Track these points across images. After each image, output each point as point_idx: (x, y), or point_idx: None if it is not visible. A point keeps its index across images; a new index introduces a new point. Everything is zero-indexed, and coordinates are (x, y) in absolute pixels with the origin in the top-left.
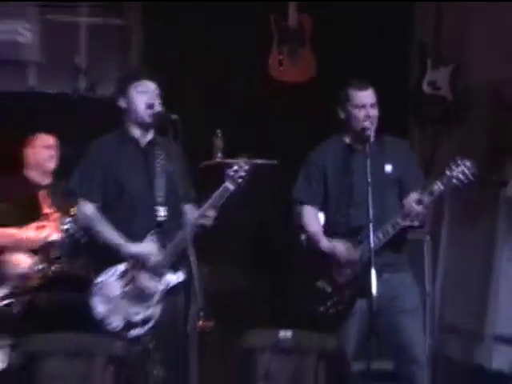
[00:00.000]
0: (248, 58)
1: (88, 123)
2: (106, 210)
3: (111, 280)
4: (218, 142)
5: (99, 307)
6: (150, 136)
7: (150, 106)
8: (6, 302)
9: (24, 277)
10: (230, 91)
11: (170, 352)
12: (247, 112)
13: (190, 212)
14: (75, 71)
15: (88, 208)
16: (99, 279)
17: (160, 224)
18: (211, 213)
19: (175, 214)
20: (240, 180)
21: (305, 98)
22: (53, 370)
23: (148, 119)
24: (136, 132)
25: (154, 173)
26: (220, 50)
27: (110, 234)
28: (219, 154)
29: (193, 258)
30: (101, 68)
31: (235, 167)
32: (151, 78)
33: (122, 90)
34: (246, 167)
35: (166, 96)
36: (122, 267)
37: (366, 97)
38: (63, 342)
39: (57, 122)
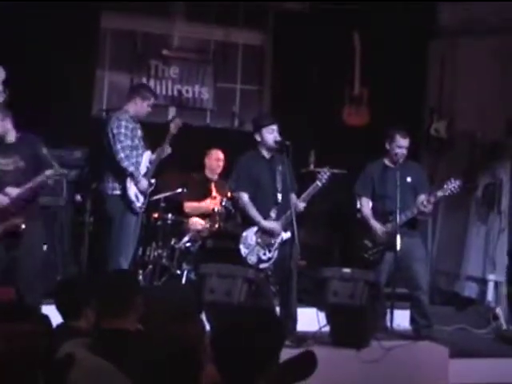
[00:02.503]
0: (333, 110)
1: (238, 145)
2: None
3: (250, 234)
4: (311, 158)
5: (243, 249)
6: (271, 153)
7: (275, 141)
8: (188, 244)
9: (199, 231)
10: (319, 129)
11: (282, 277)
12: (330, 141)
13: (293, 198)
14: (233, 115)
15: (244, 196)
16: (244, 233)
17: (278, 203)
18: (301, 206)
19: (287, 198)
20: (324, 181)
21: (363, 134)
22: (213, 284)
23: (272, 148)
24: (264, 152)
25: (275, 174)
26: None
27: (254, 213)
28: (312, 166)
29: (295, 225)
30: (247, 113)
31: (322, 173)
32: (276, 122)
33: (257, 130)
34: (328, 173)
35: (282, 130)
36: (255, 228)
37: (404, 141)
38: (219, 269)
39: (223, 143)
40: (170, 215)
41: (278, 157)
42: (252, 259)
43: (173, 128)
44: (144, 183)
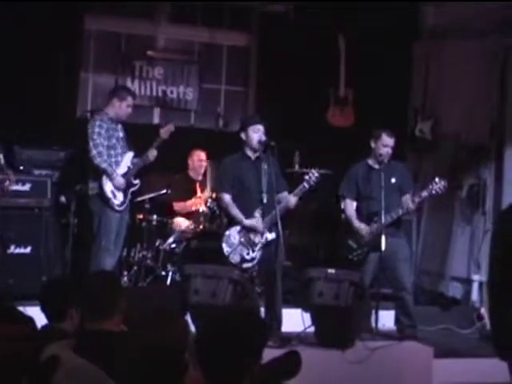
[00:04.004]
0: (318, 111)
1: (224, 146)
2: (233, 197)
3: (233, 233)
4: (296, 159)
5: (226, 248)
6: (257, 154)
7: (260, 141)
8: (173, 245)
9: (184, 231)
10: (304, 129)
11: (267, 278)
12: (315, 141)
13: (286, 197)
14: (217, 116)
15: (225, 197)
16: (227, 232)
17: (263, 204)
18: (294, 200)
19: (272, 199)
20: (312, 183)
21: (348, 135)
22: (198, 285)
23: (257, 147)
24: (249, 153)
25: (260, 175)
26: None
27: (236, 212)
28: (297, 166)
29: (280, 225)
30: (232, 114)
31: (310, 175)
32: (261, 122)
33: (243, 128)
34: (317, 175)
35: (267, 131)
36: (239, 227)
37: (390, 141)
38: (204, 270)
39: (207, 144)
40: (154, 216)
41: (263, 157)
42: (235, 258)
43: (163, 133)
44: (119, 180)
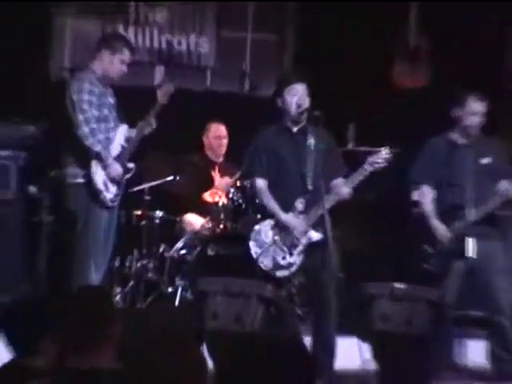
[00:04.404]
0: (379, 69)
1: (249, 116)
2: (268, 183)
3: (265, 229)
4: (351, 134)
5: (254, 248)
6: (300, 125)
7: (299, 106)
8: (182, 252)
9: (197, 233)
10: (360, 94)
11: (312, 295)
12: (375, 109)
13: (339, 182)
14: (242, 76)
15: (260, 182)
16: (257, 227)
17: (307, 192)
18: (347, 189)
19: (320, 186)
20: (377, 165)
21: (419, 99)
22: (217, 306)
23: (296, 116)
24: (289, 124)
25: (305, 153)
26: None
27: (271, 203)
28: (351, 143)
29: (328, 222)
30: (261, 73)
31: (378, 155)
32: (301, 81)
33: (278, 92)
34: (386, 156)
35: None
36: (273, 221)
37: (480, 106)
38: (226, 285)
39: (228, 114)
40: (157, 212)
41: (310, 129)
42: (265, 263)
43: (161, 96)
44: (116, 168)
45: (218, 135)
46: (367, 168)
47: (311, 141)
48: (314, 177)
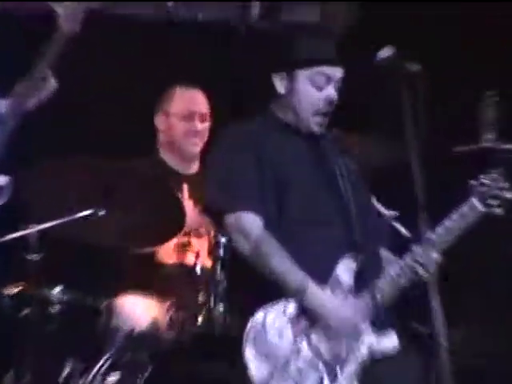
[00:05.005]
0: None
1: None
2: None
3: (276, 323)
4: (490, 113)
5: (254, 365)
6: (321, 128)
7: (331, 102)
8: (111, 379)
9: (144, 335)
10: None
11: None
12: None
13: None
14: None
15: (254, 223)
16: (256, 317)
17: (357, 249)
18: (433, 255)
19: (372, 232)
20: (494, 201)
21: None
22: None
23: (317, 119)
24: (303, 124)
25: (334, 175)
26: None
27: (287, 264)
28: (489, 135)
29: (438, 313)
30: None
31: (489, 177)
32: (336, 61)
33: (288, 65)
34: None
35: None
36: (292, 306)
37: None
38: None
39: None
40: (56, 291)
41: (334, 137)
42: None
43: (63, 22)
44: None
45: (188, 112)
46: (477, 205)
47: (339, 157)
48: (362, 218)
